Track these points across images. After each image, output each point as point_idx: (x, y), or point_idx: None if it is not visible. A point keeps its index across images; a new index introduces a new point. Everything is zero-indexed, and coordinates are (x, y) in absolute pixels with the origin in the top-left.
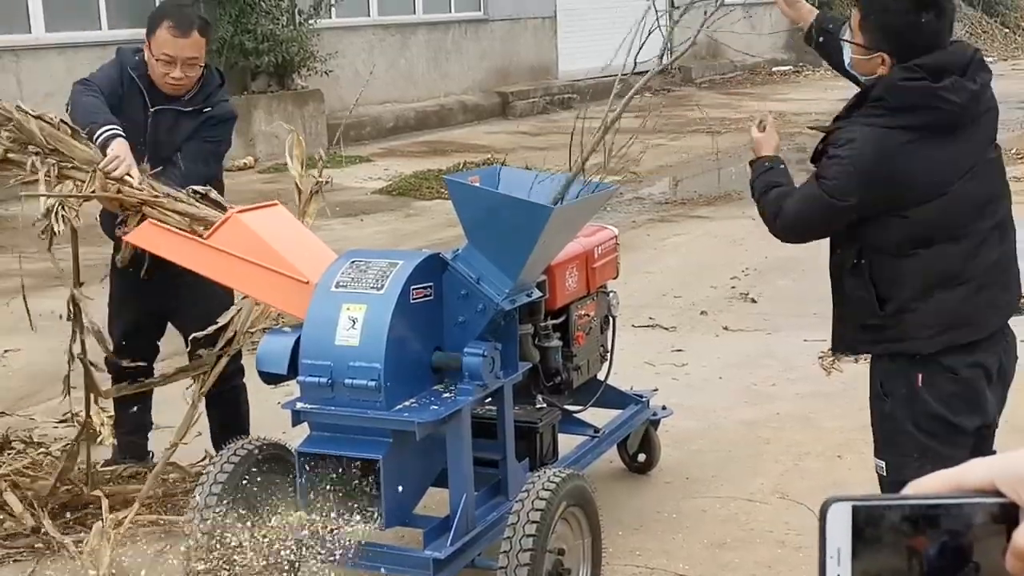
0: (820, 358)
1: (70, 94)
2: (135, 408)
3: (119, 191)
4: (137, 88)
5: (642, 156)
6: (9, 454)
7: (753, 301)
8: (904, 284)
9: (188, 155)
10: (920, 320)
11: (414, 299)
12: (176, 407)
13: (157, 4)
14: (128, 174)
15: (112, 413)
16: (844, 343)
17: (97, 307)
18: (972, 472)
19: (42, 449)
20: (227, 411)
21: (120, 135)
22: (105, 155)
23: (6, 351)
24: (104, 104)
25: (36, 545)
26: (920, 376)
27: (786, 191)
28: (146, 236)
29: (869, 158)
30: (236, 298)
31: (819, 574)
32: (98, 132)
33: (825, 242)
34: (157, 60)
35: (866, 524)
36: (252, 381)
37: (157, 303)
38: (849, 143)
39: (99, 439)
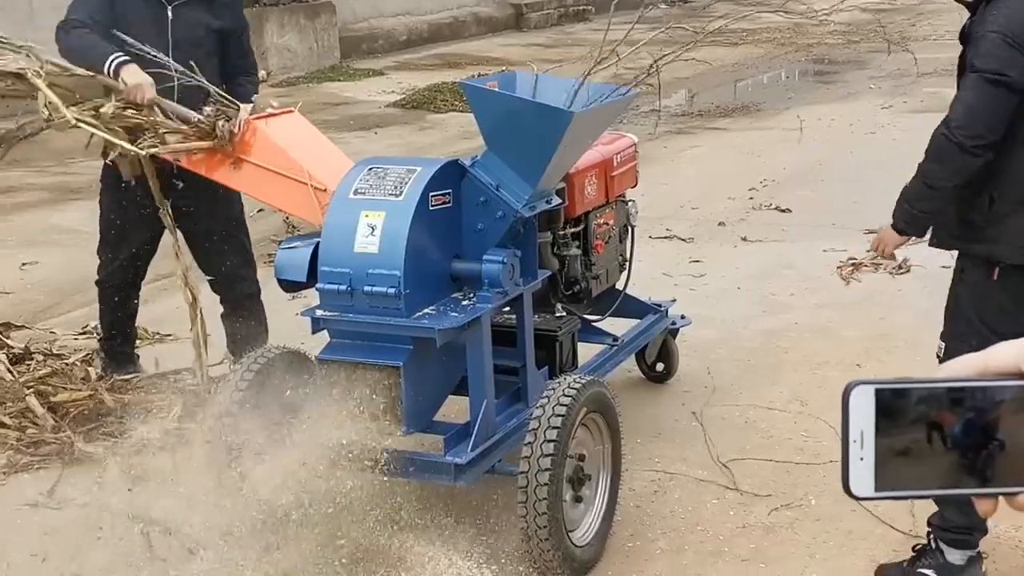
0: (839, 268)
1: (57, 43)
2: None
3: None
4: None
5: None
6: (29, 364)
7: (773, 211)
8: (1018, 184)
9: (239, 50)
10: (1019, 228)
11: (433, 206)
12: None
13: None
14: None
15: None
16: (939, 238)
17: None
18: (998, 355)
19: (62, 360)
20: (246, 325)
21: (127, 60)
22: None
23: (24, 264)
24: (93, 34)
25: (60, 453)
26: (997, 270)
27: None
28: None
29: (1019, 23)
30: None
31: (842, 458)
32: (106, 64)
33: (842, 153)
34: None
35: (889, 406)
36: (270, 291)
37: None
38: (993, 18)
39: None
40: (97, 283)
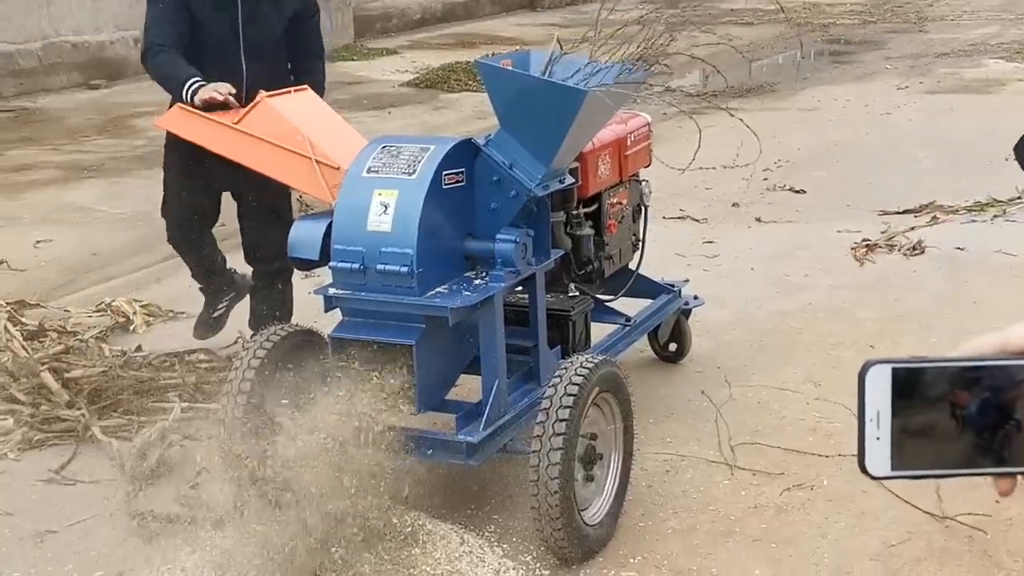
0: (853, 249)
1: (147, 71)
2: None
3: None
4: None
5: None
6: (43, 341)
7: (788, 191)
8: None
9: (308, 34)
10: None
11: (446, 185)
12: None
13: None
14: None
15: (144, 303)
16: None
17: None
18: (1018, 334)
19: (76, 337)
20: (273, 300)
21: (200, 84)
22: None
23: (38, 242)
24: (170, 55)
25: (74, 430)
26: None
27: None
28: (176, 121)
29: None
30: None
31: (858, 437)
32: (184, 92)
33: (857, 134)
34: None
35: (906, 385)
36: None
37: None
38: None
39: (132, 327)
40: (169, 241)
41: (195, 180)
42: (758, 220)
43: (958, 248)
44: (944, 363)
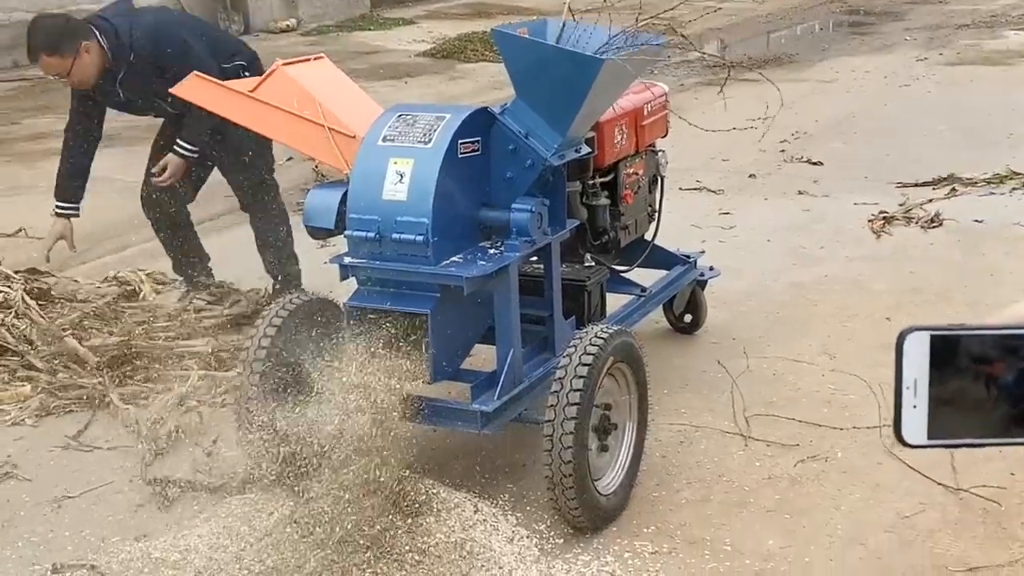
0: (870, 221)
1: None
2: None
3: None
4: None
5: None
6: (60, 310)
7: (805, 163)
8: None
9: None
10: None
11: (462, 154)
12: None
13: None
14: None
15: (149, 271)
16: None
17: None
18: None
19: (91, 305)
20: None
21: (68, 212)
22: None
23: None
24: (77, 159)
25: (91, 397)
26: None
27: None
28: (192, 89)
29: None
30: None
31: (894, 405)
32: (55, 203)
33: (876, 105)
34: None
35: (944, 353)
36: (299, 239)
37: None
38: None
39: (140, 295)
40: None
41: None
42: (775, 192)
43: (976, 221)
44: (983, 331)
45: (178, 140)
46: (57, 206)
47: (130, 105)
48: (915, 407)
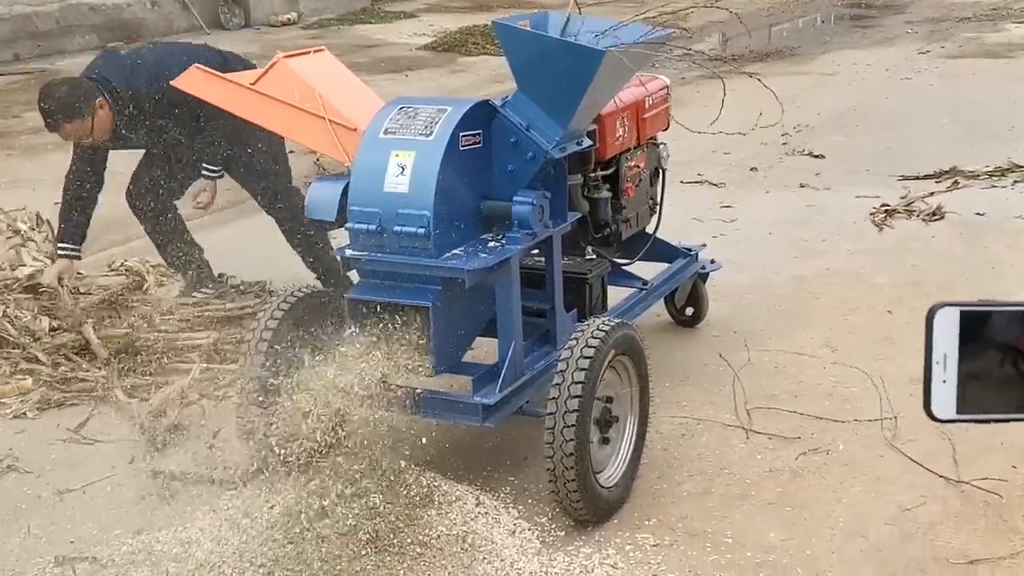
0: (872, 214)
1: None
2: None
3: None
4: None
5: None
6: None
7: (807, 156)
8: None
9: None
10: None
11: (463, 146)
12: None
13: None
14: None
15: (155, 263)
16: None
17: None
18: None
19: (98, 296)
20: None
21: (67, 255)
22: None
23: (56, 203)
24: (82, 205)
25: (93, 390)
26: None
27: None
28: (193, 82)
29: None
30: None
31: (924, 379)
32: (59, 244)
33: (878, 98)
34: None
35: (974, 328)
36: None
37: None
38: None
39: (144, 288)
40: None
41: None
42: (776, 185)
43: (978, 214)
44: (1012, 307)
45: (204, 164)
46: (59, 247)
47: (138, 142)
48: (944, 382)
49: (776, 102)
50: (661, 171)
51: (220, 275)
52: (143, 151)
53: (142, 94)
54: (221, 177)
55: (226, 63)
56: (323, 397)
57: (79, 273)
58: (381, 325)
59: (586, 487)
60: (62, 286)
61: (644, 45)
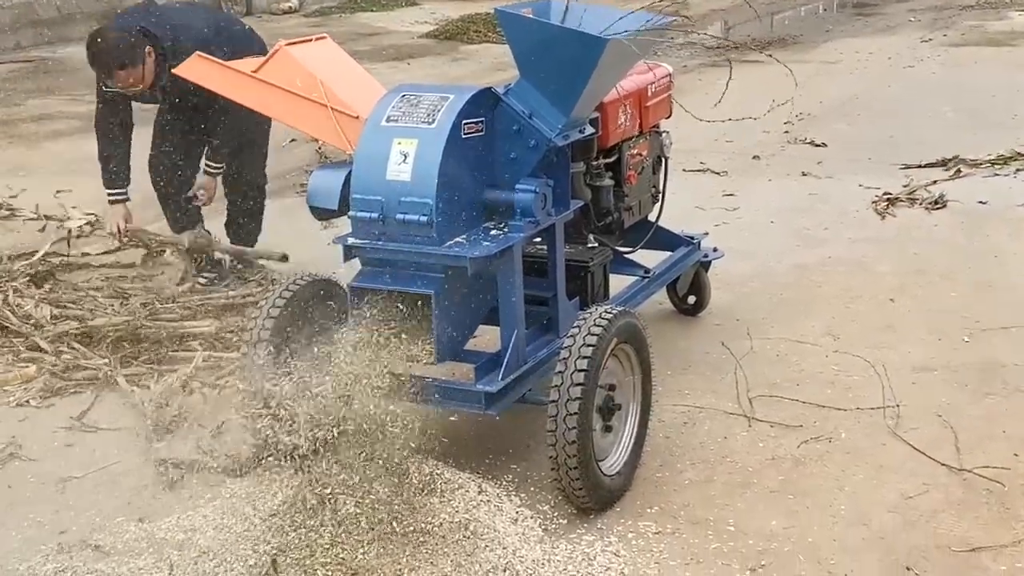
0: (874, 203)
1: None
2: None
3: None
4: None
5: None
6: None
7: (809, 145)
8: None
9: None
10: None
11: (466, 134)
12: None
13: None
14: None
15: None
16: None
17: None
18: None
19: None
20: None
21: (121, 198)
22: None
23: (58, 192)
24: (114, 150)
25: (95, 379)
26: None
27: None
28: (194, 69)
29: None
30: None
31: None
32: (106, 191)
33: (880, 87)
34: None
35: None
36: (302, 221)
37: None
38: None
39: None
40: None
41: (173, 138)
42: (778, 173)
43: (980, 202)
44: None
45: (207, 161)
46: (108, 194)
47: (164, 99)
48: None
49: (786, 86)
50: (664, 159)
51: (218, 260)
52: (154, 128)
53: (182, 50)
54: (221, 173)
55: (250, 40)
56: (326, 385)
57: (85, 253)
58: (383, 313)
59: (588, 475)
60: (122, 231)
61: (647, 32)
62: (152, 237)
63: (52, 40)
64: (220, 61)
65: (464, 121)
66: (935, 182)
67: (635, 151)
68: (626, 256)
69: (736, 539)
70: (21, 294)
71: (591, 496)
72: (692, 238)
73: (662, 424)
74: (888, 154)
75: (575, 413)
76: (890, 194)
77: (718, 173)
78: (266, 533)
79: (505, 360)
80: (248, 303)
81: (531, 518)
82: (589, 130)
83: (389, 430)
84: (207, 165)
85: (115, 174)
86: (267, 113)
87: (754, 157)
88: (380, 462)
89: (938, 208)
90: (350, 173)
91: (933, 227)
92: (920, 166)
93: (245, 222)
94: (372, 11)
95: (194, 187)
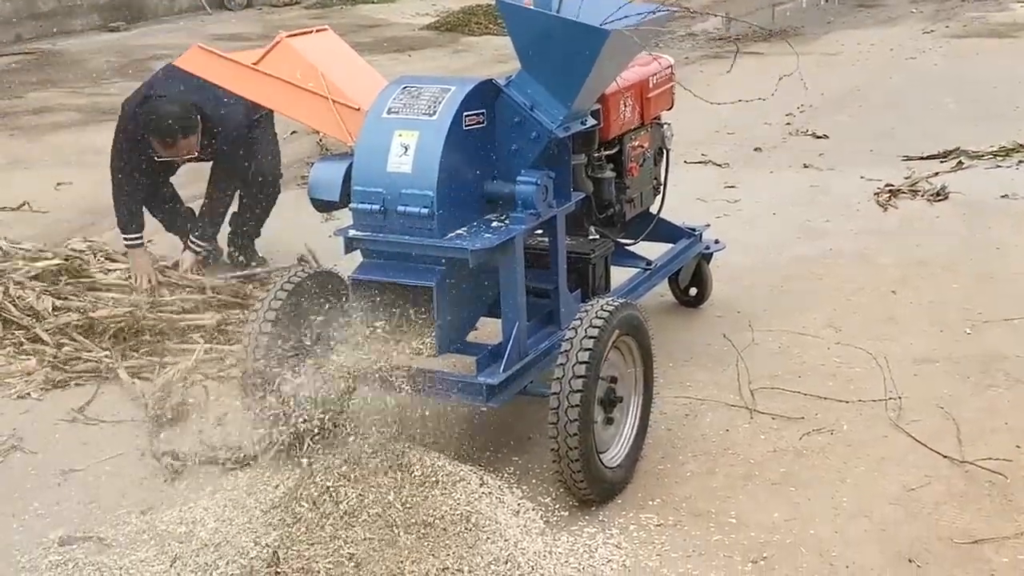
0: (876, 194)
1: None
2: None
3: None
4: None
5: None
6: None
7: (810, 136)
8: None
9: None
10: None
11: (467, 126)
12: None
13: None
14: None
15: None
16: None
17: None
18: None
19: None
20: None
21: (137, 244)
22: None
23: (59, 184)
24: (132, 193)
25: (96, 370)
26: None
27: None
28: (196, 61)
29: None
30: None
31: None
32: (122, 237)
33: (882, 78)
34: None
35: None
36: (303, 213)
37: None
38: None
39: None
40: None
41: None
42: (780, 165)
43: (982, 194)
44: None
45: (191, 239)
46: (124, 239)
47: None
48: None
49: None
50: (665, 151)
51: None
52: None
53: (214, 120)
54: (207, 255)
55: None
56: (327, 378)
57: (90, 241)
58: (384, 305)
59: (590, 467)
60: (153, 284)
61: (649, 23)
62: (182, 279)
63: (52, 33)
64: (221, 52)
65: (465, 113)
66: (937, 174)
67: (637, 143)
68: (627, 248)
69: (738, 531)
70: (23, 286)
71: (593, 488)
72: (694, 230)
73: (664, 416)
74: (890, 146)
75: (577, 405)
76: (892, 186)
77: (719, 165)
78: (268, 525)
79: (506, 352)
80: (249, 296)
81: (533, 510)
82: (590, 122)
83: (390, 422)
84: (192, 242)
85: (127, 220)
86: (268, 105)
87: (755, 149)
88: (381, 455)
89: (940, 200)
90: (351, 165)
91: (935, 219)
92: (922, 158)
93: (257, 214)
94: (373, 3)
95: (179, 261)
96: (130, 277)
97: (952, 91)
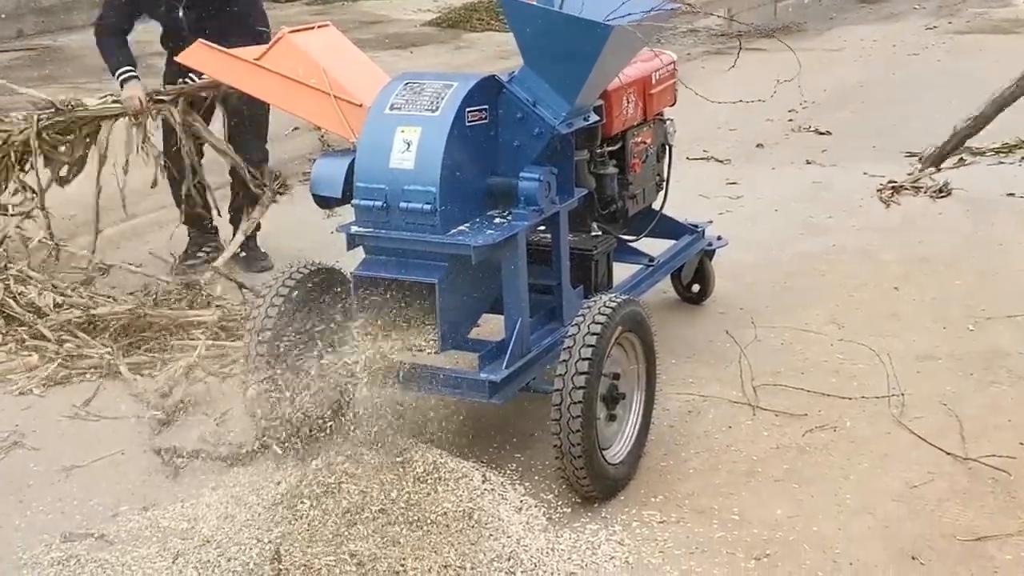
0: (878, 191)
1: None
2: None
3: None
4: None
5: None
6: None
7: (813, 133)
8: None
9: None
10: None
11: (469, 122)
12: None
13: None
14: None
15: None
16: None
17: None
18: None
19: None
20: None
21: (130, 77)
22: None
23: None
24: (118, 42)
25: (98, 367)
26: None
27: None
28: (197, 57)
29: None
30: None
31: None
32: (114, 76)
33: (884, 74)
34: None
35: None
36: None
37: None
38: None
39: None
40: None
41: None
42: (782, 161)
43: (985, 190)
44: None
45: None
46: (118, 75)
47: (179, 25)
48: None
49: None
50: (668, 147)
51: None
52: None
53: None
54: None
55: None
56: (329, 374)
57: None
58: (387, 302)
59: (593, 464)
60: (144, 103)
61: (652, 19)
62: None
63: (54, 28)
64: (222, 49)
65: (468, 109)
66: (940, 170)
67: (639, 139)
68: (630, 244)
69: (741, 528)
70: (24, 281)
71: (595, 485)
72: (696, 226)
73: (666, 413)
74: (892, 142)
75: (579, 402)
76: (895, 182)
77: (722, 161)
78: (270, 522)
79: (509, 349)
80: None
81: (535, 507)
82: (593, 118)
83: (393, 419)
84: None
85: (117, 58)
86: (270, 101)
87: (758, 145)
88: (384, 451)
89: (943, 196)
90: (353, 161)
91: (938, 215)
92: (922, 158)
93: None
94: None
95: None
96: (117, 101)
97: (955, 87)
